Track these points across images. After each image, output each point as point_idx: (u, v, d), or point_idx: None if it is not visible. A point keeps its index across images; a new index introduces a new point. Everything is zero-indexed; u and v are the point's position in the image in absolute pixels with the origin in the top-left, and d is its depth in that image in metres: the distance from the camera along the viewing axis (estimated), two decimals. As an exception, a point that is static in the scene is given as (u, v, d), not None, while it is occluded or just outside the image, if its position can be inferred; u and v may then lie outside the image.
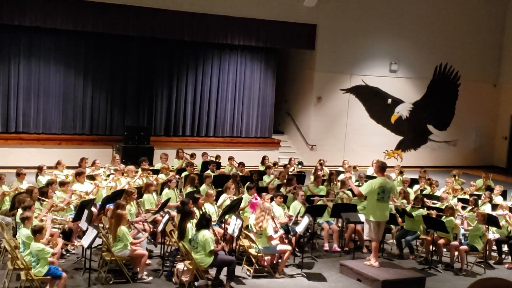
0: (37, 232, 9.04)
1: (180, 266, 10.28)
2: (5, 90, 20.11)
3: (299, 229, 11.35)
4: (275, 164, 18.02)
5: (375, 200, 11.21)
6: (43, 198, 11.42)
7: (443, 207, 12.99)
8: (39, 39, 20.38)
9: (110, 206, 11.48)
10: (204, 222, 10.09)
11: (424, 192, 15.47)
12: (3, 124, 20.20)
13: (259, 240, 10.95)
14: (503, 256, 12.96)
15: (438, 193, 15.33)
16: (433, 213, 12.55)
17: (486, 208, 13.75)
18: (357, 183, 14.71)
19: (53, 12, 19.44)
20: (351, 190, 14.02)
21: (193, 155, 17.56)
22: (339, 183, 14.97)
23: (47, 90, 20.64)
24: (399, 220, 13.02)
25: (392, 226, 13.38)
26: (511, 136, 27.30)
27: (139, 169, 14.92)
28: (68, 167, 15.00)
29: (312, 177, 15.75)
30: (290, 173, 16.17)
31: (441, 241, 12.30)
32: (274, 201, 12.30)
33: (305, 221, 11.31)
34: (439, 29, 25.61)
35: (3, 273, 10.01)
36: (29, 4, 19.08)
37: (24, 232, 9.43)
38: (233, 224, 10.99)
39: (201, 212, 11.12)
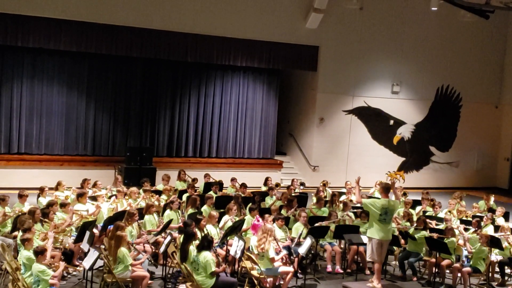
0: (39, 253, 9.03)
1: (181, 288, 10.24)
2: (7, 111, 20.15)
3: (302, 250, 11.30)
4: (277, 185, 17.95)
5: (377, 220, 11.21)
6: (45, 220, 11.41)
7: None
8: (42, 60, 20.46)
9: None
10: (206, 244, 10.05)
11: (426, 214, 15.42)
12: (6, 145, 20.22)
13: (261, 261, 10.90)
14: (506, 278, 12.88)
15: (441, 214, 15.29)
16: (435, 235, 12.49)
17: (488, 230, 13.70)
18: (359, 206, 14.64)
19: (56, 33, 19.55)
20: (354, 212, 14.01)
21: (195, 180, 17.49)
22: (341, 205, 14.91)
23: (50, 111, 20.69)
24: (402, 241, 12.97)
25: (395, 248, 13.33)
26: (513, 157, 27.32)
27: (141, 190, 14.91)
28: (69, 188, 14.99)
29: (314, 199, 15.73)
30: (292, 195, 16.11)
31: (444, 262, 12.24)
32: (276, 223, 12.25)
33: (307, 242, 11.28)
34: (441, 51, 25.71)
35: (4, 294, 9.98)
36: (33, 25, 19.18)
37: (25, 254, 9.41)
38: (235, 246, 10.94)
39: (203, 234, 11.08)
